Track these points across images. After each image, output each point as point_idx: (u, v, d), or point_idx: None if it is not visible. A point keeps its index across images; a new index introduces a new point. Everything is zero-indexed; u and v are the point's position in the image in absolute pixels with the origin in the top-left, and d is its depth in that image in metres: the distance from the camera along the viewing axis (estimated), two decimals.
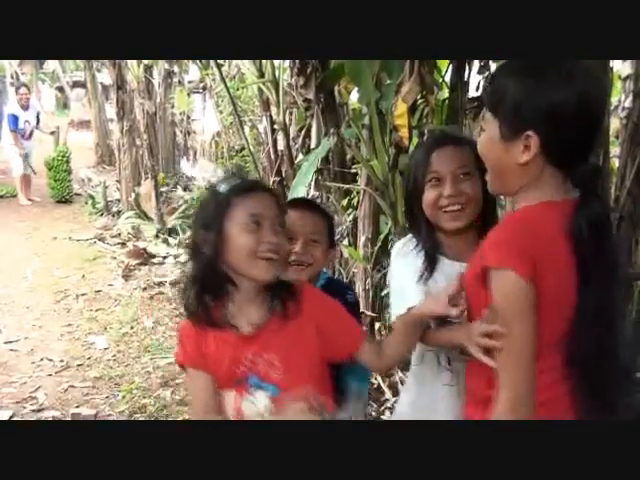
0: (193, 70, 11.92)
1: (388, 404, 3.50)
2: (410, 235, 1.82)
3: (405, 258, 1.76)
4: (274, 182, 5.14)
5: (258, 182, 1.71)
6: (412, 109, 4.03)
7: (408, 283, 1.72)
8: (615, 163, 3.56)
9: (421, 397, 1.80)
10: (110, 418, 3.64)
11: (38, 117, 10.12)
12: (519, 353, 1.35)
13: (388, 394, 3.57)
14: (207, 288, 1.55)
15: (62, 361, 4.47)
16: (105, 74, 12.02)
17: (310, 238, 1.86)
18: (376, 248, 4.00)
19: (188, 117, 12.16)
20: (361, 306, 3.65)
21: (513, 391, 1.33)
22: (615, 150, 4.24)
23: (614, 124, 5.96)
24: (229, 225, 1.50)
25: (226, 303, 1.56)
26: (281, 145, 5.21)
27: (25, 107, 9.81)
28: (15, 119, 9.70)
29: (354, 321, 1.67)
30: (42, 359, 4.50)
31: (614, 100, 5.35)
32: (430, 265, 1.72)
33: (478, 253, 1.41)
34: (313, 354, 1.59)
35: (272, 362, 1.53)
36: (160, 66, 10.66)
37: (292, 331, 1.55)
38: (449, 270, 1.70)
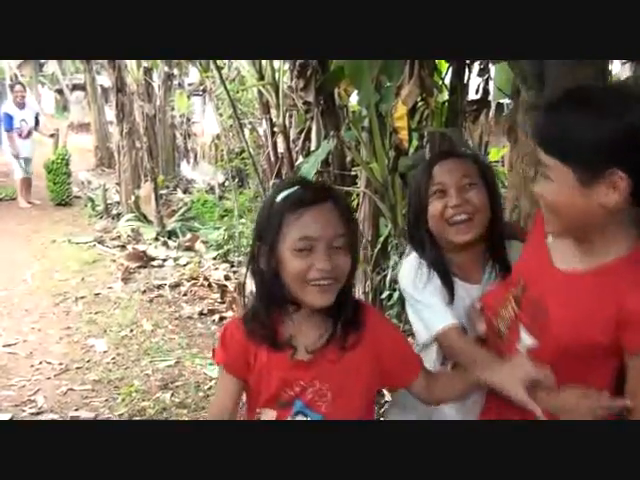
0: (193, 72, 11.94)
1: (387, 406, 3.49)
2: (415, 255, 1.74)
3: (428, 285, 1.67)
4: (274, 184, 5.14)
5: (319, 193, 1.42)
6: (412, 111, 4.02)
7: (439, 307, 1.65)
8: None
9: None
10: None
11: (37, 119, 10.11)
12: None
13: (388, 396, 3.55)
14: (266, 304, 1.45)
15: (61, 364, 4.46)
16: (105, 77, 12.03)
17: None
18: (376, 250, 4.00)
19: (188, 119, 12.17)
20: None
21: None
22: None
23: None
24: (281, 246, 1.38)
25: (286, 322, 1.47)
26: (281, 147, 5.21)
27: (21, 105, 9.81)
28: (10, 119, 9.71)
29: (412, 351, 1.58)
30: (41, 362, 4.49)
31: None
32: (449, 289, 1.67)
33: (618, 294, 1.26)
34: (366, 386, 1.50)
35: (323, 392, 1.45)
36: (160, 69, 10.67)
37: (349, 362, 1.45)
38: (462, 293, 1.69)
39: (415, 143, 4.10)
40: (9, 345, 4.77)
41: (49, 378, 4.24)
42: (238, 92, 8.27)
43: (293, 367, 1.44)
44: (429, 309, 1.65)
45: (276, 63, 5.13)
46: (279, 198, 1.41)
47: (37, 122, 10.10)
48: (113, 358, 4.56)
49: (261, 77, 5.12)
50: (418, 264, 1.71)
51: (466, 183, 1.67)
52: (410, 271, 1.71)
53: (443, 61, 4.04)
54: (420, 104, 4.05)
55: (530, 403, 1.34)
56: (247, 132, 8.64)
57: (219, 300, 5.66)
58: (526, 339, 1.43)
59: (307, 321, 1.47)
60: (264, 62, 4.99)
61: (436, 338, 1.64)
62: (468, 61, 3.78)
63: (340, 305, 1.45)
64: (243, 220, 7.67)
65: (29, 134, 9.95)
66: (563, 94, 1.31)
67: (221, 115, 9.54)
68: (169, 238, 7.74)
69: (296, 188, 1.41)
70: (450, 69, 4.01)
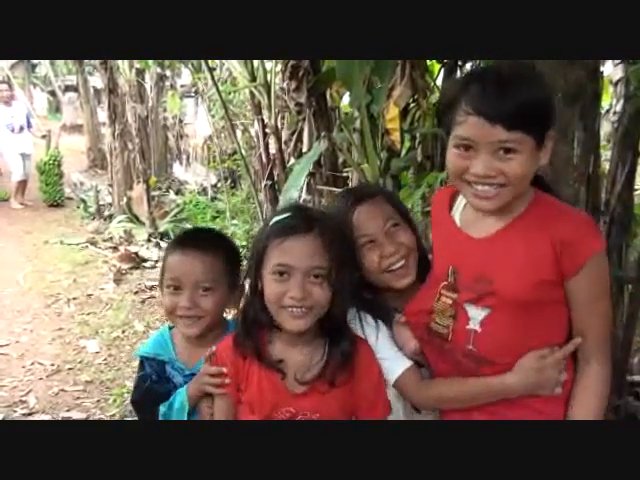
0: (185, 74, 11.92)
1: None
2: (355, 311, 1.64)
3: (379, 339, 1.61)
4: (266, 186, 5.14)
5: (305, 222, 1.45)
6: (404, 113, 4.04)
7: (393, 355, 1.61)
8: (606, 167, 3.57)
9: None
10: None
11: (29, 120, 10.07)
12: (608, 329, 1.48)
13: None
14: (251, 321, 1.51)
15: (53, 365, 4.45)
16: (97, 78, 12.00)
17: (201, 287, 1.66)
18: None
19: (180, 121, 12.14)
20: None
21: (609, 362, 1.46)
22: (607, 154, 4.26)
23: (605, 128, 5.99)
24: (264, 269, 1.46)
25: (273, 342, 1.52)
26: (273, 149, 5.21)
27: (7, 103, 9.77)
28: None
29: (383, 399, 1.57)
30: (33, 363, 4.48)
31: (605, 104, 5.38)
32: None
33: (544, 253, 1.39)
34: (350, 414, 1.54)
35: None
36: (152, 70, 10.64)
37: (338, 395, 1.49)
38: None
39: (407, 144, 4.11)
40: (1, 346, 4.76)
41: (41, 379, 4.24)
42: (230, 93, 8.26)
43: (284, 395, 1.48)
44: (384, 361, 1.59)
45: (268, 64, 5.12)
46: (271, 222, 1.49)
47: (29, 123, 10.07)
48: (105, 359, 4.56)
49: (253, 78, 5.10)
50: (359, 318, 1.62)
51: (390, 225, 1.62)
52: (358, 330, 1.62)
53: (435, 62, 4.05)
54: (412, 105, 4.07)
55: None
56: (239, 133, 8.63)
57: None
58: (477, 314, 1.46)
59: (294, 345, 1.50)
60: (256, 63, 4.98)
61: (395, 386, 1.60)
62: (460, 62, 3.79)
63: (334, 336, 1.50)
64: (235, 221, 7.67)
65: (21, 129, 9.89)
66: (494, 76, 1.38)
67: (213, 116, 9.54)
68: (161, 239, 7.72)
69: (286, 215, 1.49)
70: (442, 70, 4.02)
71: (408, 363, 1.60)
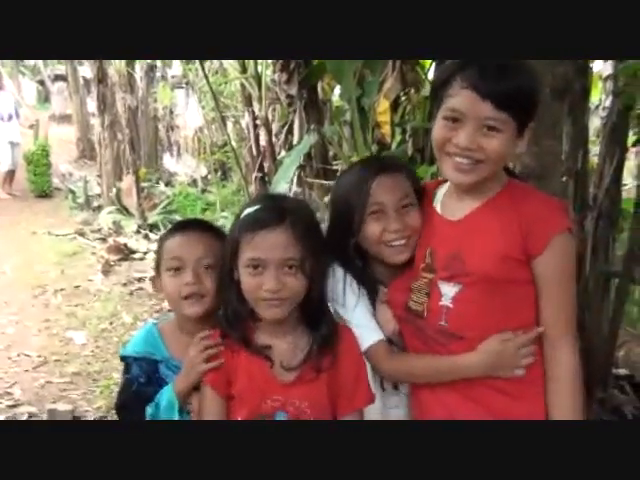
0: (176, 65, 11.85)
1: None
2: (341, 272, 1.66)
3: (358, 305, 1.64)
4: (256, 178, 5.13)
5: (275, 215, 1.46)
6: (395, 106, 4.04)
7: (368, 324, 1.63)
8: (595, 161, 3.59)
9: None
10: (87, 414, 3.60)
11: (17, 110, 9.99)
12: (574, 312, 1.52)
13: None
14: (231, 312, 1.52)
15: (40, 356, 4.42)
16: (86, 68, 11.91)
17: (202, 265, 1.64)
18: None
19: (171, 112, 12.09)
20: None
21: (576, 348, 1.49)
22: (596, 149, 4.28)
23: (595, 123, 6.01)
24: (239, 262, 1.47)
25: (259, 329, 1.52)
26: (263, 141, 5.19)
27: None
28: None
29: (364, 387, 1.57)
30: (19, 354, 4.45)
31: (595, 100, 5.39)
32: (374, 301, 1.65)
33: (503, 232, 1.46)
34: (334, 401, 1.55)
35: (303, 409, 1.49)
36: (142, 60, 10.58)
37: (324, 382, 1.50)
38: None
39: (398, 137, 4.11)
40: None
41: (27, 370, 4.21)
42: (221, 85, 8.23)
43: (272, 383, 1.48)
44: (358, 328, 1.60)
45: None
46: (242, 215, 1.50)
47: (17, 113, 9.99)
48: (92, 351, 4.54)
49: (244, 70, 5.09)
50: (344, 282, 1.64)
51: (404, 204, 1.61)
52: (339, 292, 1.64)
53: None
54: (403, 99, 4.07)
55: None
56: (230, 125, 8.62)
57: None
58: (449, 290, 1.53)
59: (278, 333, 1.52)
60: None
61: (365, 354, 1.61)
62: None
63: (314, 322, 1.52)
64: (225, 213, 7.65)
65: (10, 118, 9.81)
66: (493, 60, 1.42)
67: (204, 108, 9.51)
68: (150, 231, 7.69)
69: (256, 208, 1.49)
70: (433, 64, 4.02)
71: (381, 335, 1.63)
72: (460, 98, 1.41)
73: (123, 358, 1.71)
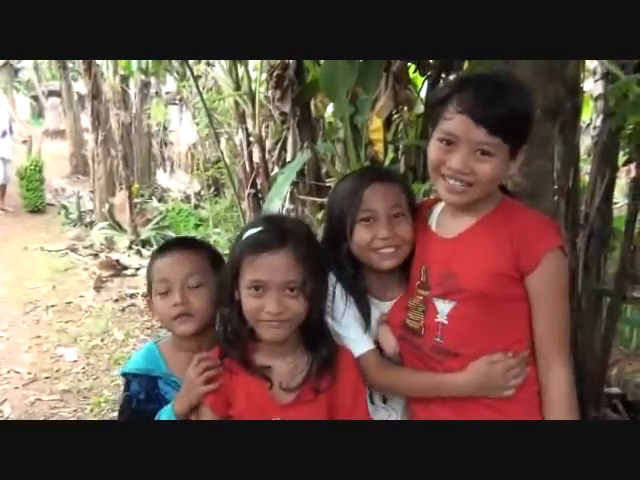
0: (170, 81, 11.90)
1: None
2: (332, 280, 1.65)
3: (345, 315, 1.64)
4: (249, 194, 5.13)
5: (278, 237, 1.46)
6: (388, 124, 4.06)
7: (355, 336, 1.63)
8: (587, 180, 3.61)
9: None
10: None
11: (11, 125, 9.99)
12: (567, 329, 1.52)
13: None
14: (231, 333, 1.53)
15: (30, 373, 4.39)
16: (81, 83, 11.93)
17: (188, 285, 1.65)
18: None
19: (165, 128, 12.11)
20: None
21: (570, 366, 1.49)
22: (587, 167, 4.31)
23: (586, 142, 6.05)
24: (240, 283, 1.48)
25: (259, 349, 1.53)
26: (257, 157, 5.20)
27: None
28: None
29: (363, 410, 1.58)
30: (9, 371, 4.42)
31: (586, 119, 5.44)
32: (366, 317, 1.64)
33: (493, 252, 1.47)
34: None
35: None
36: (136, 77, 10.62)
37: (322, 404, 1.51)
38: (376, 314, 1.67)
39: (391, 155, 4.12)
40: None
41: (17, 388, 4.18)
42: (215, 102, 8.26)
43: (271, 404, 1.49)
44: (345, 339, 1.61)
45: (253, 73, 5.13)
46: (244, 237, 1.51)
47: (11, 129, 9.98)
48: (83, 368, 4.51)
49: (237, 87, 5.10)
50: (333, 291, 1.63)
51: (396, 213, 1.62)
52: (330, 298, 1.62)
53: (418, 75, 4.07)
54: (396, 117, 4.09)
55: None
56: (223, 141, 8.63)
57: None
58: (444, 307, 1.54)
59: (277, 354, 1.52)
60: (240, 72, 4.99)
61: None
62: (443, 74, 3.82)
63: (314, 343, 1.53)
64: (218, 229, 7.65)
65: (4, 134, 9.80)
66: (489, 81, 1.46)
67: (198, 124, 9.53)
68: (143, 247, 7.67)
69: (258, 230, 1.50)
70: (425, 83, 4.05)
71: (371, 345, 1.63)
72: (455, 122, 1.43)
73: (123, 375, 1.74)
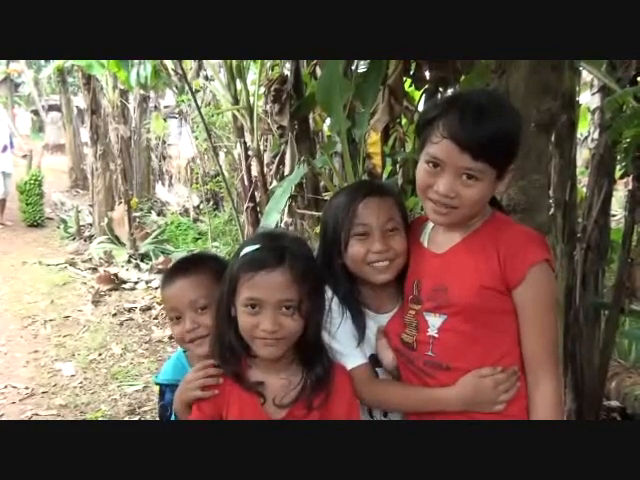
0: (169, 95, 11.94)
1: None
2: (328, 294, 1.65)
3: (340, 330, 1.63)
4: (248, 208, 5.13)
5: (275, 256, 1.46)
6: (385, 137, 4.07)
7: (349, 350, 1.63)
8: (584, 193, 3.61)
9: None
10: None
11: (12, 140, 10.02)
12: (555, 343, 1.54)
13: None
14: (226, 348, 1.52)
15: (27, 388, 4.37)
16: (80, 98, 11.98)
17: (197, 307, 1.68)
18: None
19: (164, 142, 12.14)
20: None
21: (558, 380, 1.50)
22: (585, 180, 4.32)
23: (584, 155, 6.06)
24: (236, 300, 1.48)
25: (254, 365, 1.53)
26: (255, 171, 5.20)
27: None
28: None
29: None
30: (6, 386, 4.40)
31: (584, 132, 5.46)
32: (360, 331, 1.64)
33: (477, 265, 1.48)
34: None
35: None
36: (135, 91, 10.65)
37: (316, 419, 1.50)
38: (372, 327, 1.67)
39: (389, 168, 4.13)
40: None
41: (14, 403, 4.16)
42: (213, 116, 8.28)
43: (262, 419, 1.48)
44: (338, 353, 1.61)
45: (251, 87, 5.15)
46: (241, 254, 1.51)
47: (12, 143, 10.01)
48: (80, 382, 4.49)
49: (236, 101, 5.12)
50: (329, 305, 1.62)
51: (390, 227, 1.63)
52: (325, 312, 1.61)
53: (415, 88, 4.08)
54: (393, 130, 4.09)
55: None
56: (222, 155, 8.64)
57: None
58: (435, 321, 1.55)
59: (271, 370, 1.52)
60: (239, 86, 5.01)
61: None
62: (441, 88, 3.84)
63: (309, 361, 1.52)
64: (217, 243, 7.64)
65: (5, 149, 9.82)
66: (472, 105, 1.45)
67: (197, 138, 9.54)
68: (142, 261, 7.67)
69: (256, 247, 1.50)
70: (423, 96, 4.06)
71: (364, 360, 1.63)
72: (441, 147, 1.45)
73: (158, 384, 1.81)
